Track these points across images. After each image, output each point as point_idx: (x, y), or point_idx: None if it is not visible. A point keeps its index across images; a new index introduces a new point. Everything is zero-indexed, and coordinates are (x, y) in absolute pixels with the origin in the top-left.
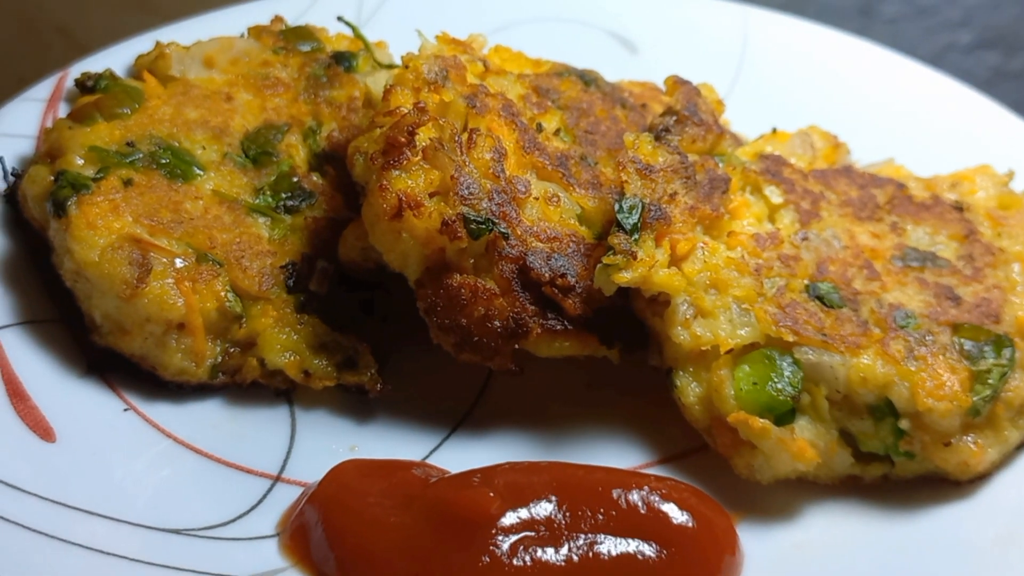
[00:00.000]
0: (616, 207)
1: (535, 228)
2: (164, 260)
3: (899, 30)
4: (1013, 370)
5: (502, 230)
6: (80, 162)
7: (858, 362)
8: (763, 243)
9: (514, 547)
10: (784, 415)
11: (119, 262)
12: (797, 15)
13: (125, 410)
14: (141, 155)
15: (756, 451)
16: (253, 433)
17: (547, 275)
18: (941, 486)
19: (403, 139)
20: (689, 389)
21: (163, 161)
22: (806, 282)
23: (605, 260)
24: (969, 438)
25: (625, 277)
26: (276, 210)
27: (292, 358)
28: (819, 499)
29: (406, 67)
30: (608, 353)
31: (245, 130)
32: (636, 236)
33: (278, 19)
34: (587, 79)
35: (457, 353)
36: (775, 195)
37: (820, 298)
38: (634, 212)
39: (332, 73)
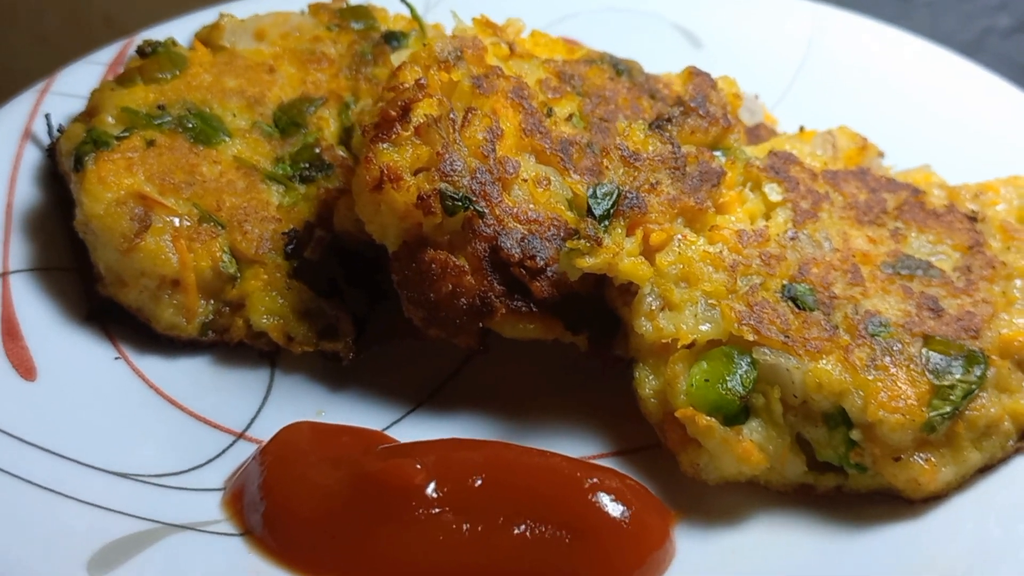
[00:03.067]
0: (589, 192)
1: (516, 209)
2: (166, 218)
3: (937, 14)
4: (982, 388)
5: (479, 208)
6: (111, 121)
7: (815, 367)
8: (746, 240)
9: (430, 519)
10: (735, 415)
11: (121, 216)
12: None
13: (116, 358)
14: (169, 119)
15: (702, 450)
16: (230, 391)
17: (516, 256)
18: (895, 504)
19: (395, 113)
20: (646, 381)
21: (189, 125)
22: (784, 282)
23: (569, 244)
24: (921, 456)
25: (587, 263)
26: (292, 179)
27: (276, 321)
28: (767, 506)
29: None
30: (575, 339)
31: (281, 101)
32: (606, 223)
33: None
34: (620, 68)
35: (425, 327)
36: (774, 192)
37: (794, 299)
38: (607, 199)
39: (378, 51)
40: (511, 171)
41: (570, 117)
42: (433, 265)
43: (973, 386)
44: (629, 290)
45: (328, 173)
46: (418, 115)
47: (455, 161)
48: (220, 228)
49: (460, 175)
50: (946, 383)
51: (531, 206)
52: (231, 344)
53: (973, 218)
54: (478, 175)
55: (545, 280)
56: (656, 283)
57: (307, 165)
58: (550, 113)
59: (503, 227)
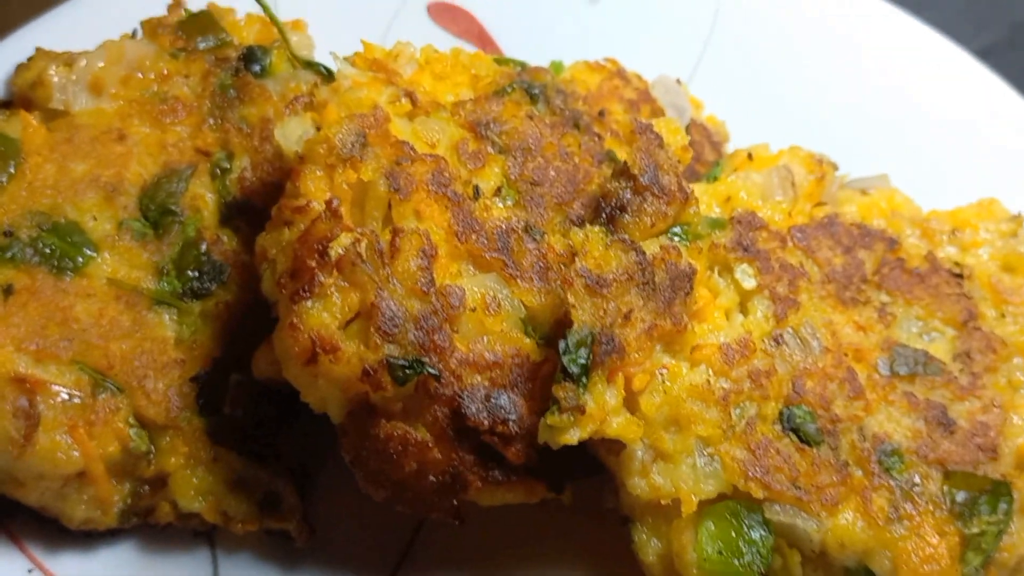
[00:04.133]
0: (561, 345)
1: (471, 355)
2: (54, 401)
3: None
4: (1009, 522)
5: (432, 371)
6: None
7: (835, 524)
8: (731, 357)
9: None
10: None
11: (2, 415)
12: None
13: (30, 571)
14: (20, 245)
15: None
16: None
17: (486, 422)
18: None
19: (313, 263)
20: (649, 547)
21: (47, 252)
22: (780, 408)
23: (549, 420)
24: None
25: (573, 439)
26: (183, 296)
27: (207, 500)
28: None
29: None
30: (560, 497)
31: (143, 181)
32: (584, 381)
33: (177, 3)
34: (533, 92)
35: (389, 505)
36: (747, 277)
37: (795, 430)
38: (582, 350)
39: (242, 83)
40: (456, 303)
41: (499, 191)
42: (391, 443)
43: (1001, 526)
44: (616, 441)
45: (222, 280)
46: (337, 247)
47: (394, 313)
48: (119, 393)
49: (402, 328)
50: (975, 530)
51: (485, 342)
52: (158, 526)
53: (959, 275)
54: (422, 322)
55: (520, 442)
56: (645, 432)
57: (195, 273)
58: (476, 194)
59: (462, 385)
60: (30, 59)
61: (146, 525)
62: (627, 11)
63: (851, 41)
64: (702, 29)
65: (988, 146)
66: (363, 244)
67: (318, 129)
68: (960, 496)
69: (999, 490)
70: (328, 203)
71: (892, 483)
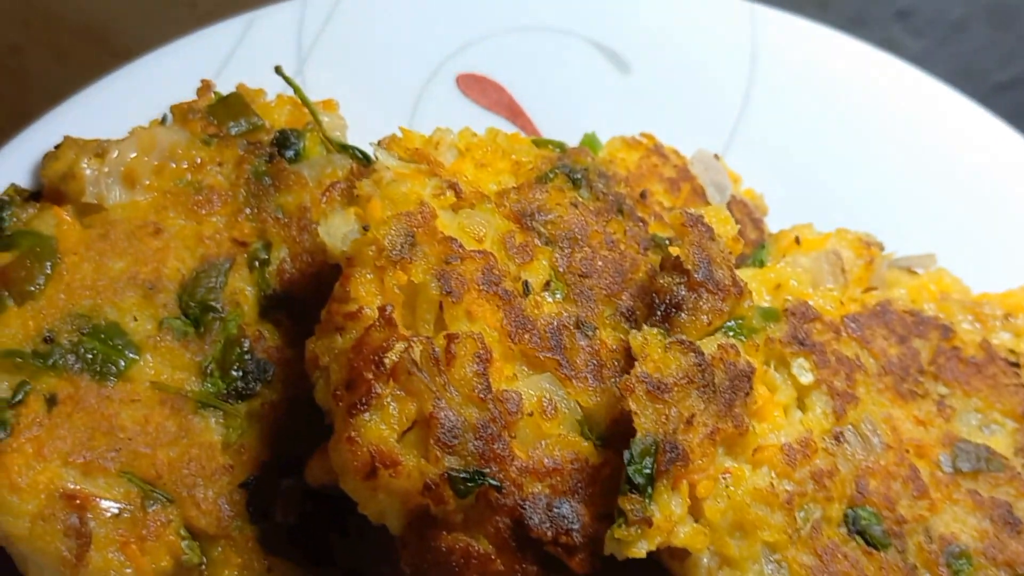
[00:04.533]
0: (625, 456)
1: (530, 462)
2: (105, 516)
3: None
4: None
5: (493, 482)
6: None
7: None
8: (794, 458)
9: None
10: None
11: (54, 535)
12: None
13: None
14: (62, 352)
15: None
16: None
17: (549, 533)
18: None
19: (370, 374)
20: None
21: (89, 357)
22: (845, 509)
23: (616, 534)
24: None
25: (641, 552)
26: (227, 398)
27: None
28: None
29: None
30: None
31: (181, 277)
32: (650, 492)
33: (206, 86)
34: (576, 177)
35: None
36: (804, 372)
37: (861, 533)
38: (646, 459)
39: (276, 170)
40: (513, 409)
41: (547, 284)
42: (453, 555)
43: None
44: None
45: (266, 379)
46: (392, 355)
47: (453, 423)
48: (169, 504)
49: (462, 439)
50: None
51: (543, 447)
52: None
53: (1015, 364)
54: (481, 431)
55: (583, 551)
56: (711, 539)
57: (239, 373)
58: (526, 290)
59: (523, 495)
60: (58, 147)
61: None
62: (659, 81)
63: (889, 111)
64: (736, 98)
65: None
66: (418, 351)
67: (364, 227)
68: None
69: None
70: (382, 310)
71: None
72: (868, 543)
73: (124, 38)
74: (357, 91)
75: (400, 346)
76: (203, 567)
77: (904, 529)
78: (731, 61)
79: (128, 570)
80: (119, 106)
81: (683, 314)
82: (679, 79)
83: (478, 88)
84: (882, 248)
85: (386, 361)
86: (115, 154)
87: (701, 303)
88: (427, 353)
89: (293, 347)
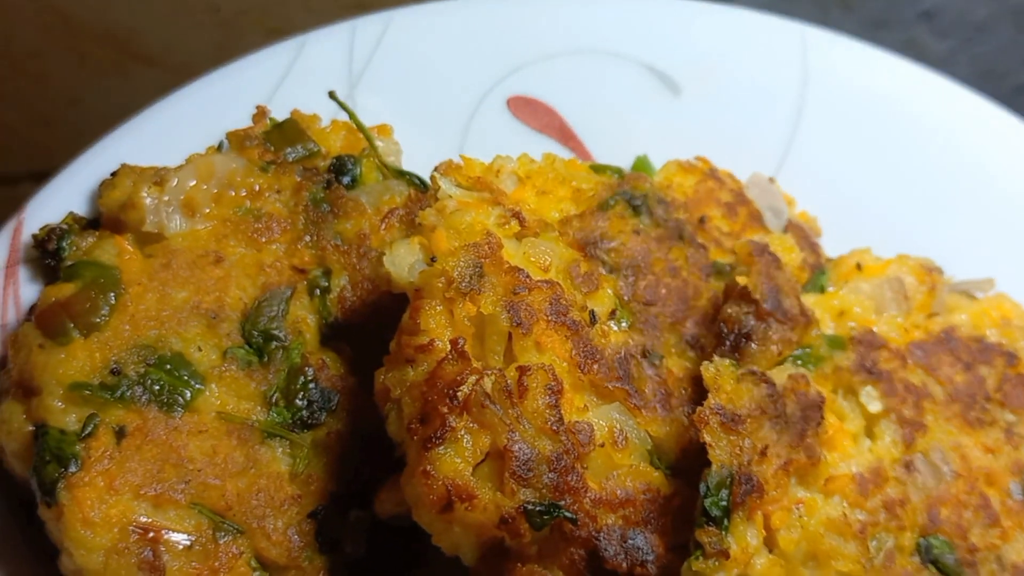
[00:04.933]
0: (701, 488)
1: (603, 493)
2: (178, 548)
3: None
4: None
5: (568, 515)
6: (60, 405)
7: None
8: (865, 487)
9: None
10: None
11: (128, 569)
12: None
13: None
14: (129, 383)
15: None
16: None
17: (624, 565)
18: None
19: (445, 408)
20: None
21: (156, 389)
22: (916, 537)
23: (695, 567)
24: None
25: None
26: (293, 427)
27: None
28: None
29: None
30: None
31: (243, 306)
32: (726, 524)
33: (261, 112)
34: (635, 204)
35: None
36: (872, 400)
37: (934, 562)
38: (722, 491)
39: (334, 196)
40: (585, 440)
41: (613, 313)
42: None
43: None
44: None
45: (331, 408)
46: (465, 388)
47: (527, 456)
48: (239, 535)
49: (536, 471)
50: None
51: (616, 477)
52: None
53: None
54: (555, 463)
55: None
56: (786, 571)
57: (304, 402)
58: (593, 319)
59: (597, 527)
60: (115, 175)
61: None
62: (710, 103)
63: (940, 133)
64: (787, 120)
65: None
66: (490, 384)
67: (431, 258)
68: None
69: None
70: (454, 343)
71: None
72: (941, 572)
73: (146, 43)
74: (408, 115)
75: (473, 379)
76: None
77: (976, 558)
78: (782, 83)
79: None
80: (173, 132)
81: (753, 344)
82: (730, 101)
83: (529, 111)
84: (942, 273)
85: (459, 394)
86: (174, 182)
87: (771, 333)
88: (499, 386)
89: (355, 375)
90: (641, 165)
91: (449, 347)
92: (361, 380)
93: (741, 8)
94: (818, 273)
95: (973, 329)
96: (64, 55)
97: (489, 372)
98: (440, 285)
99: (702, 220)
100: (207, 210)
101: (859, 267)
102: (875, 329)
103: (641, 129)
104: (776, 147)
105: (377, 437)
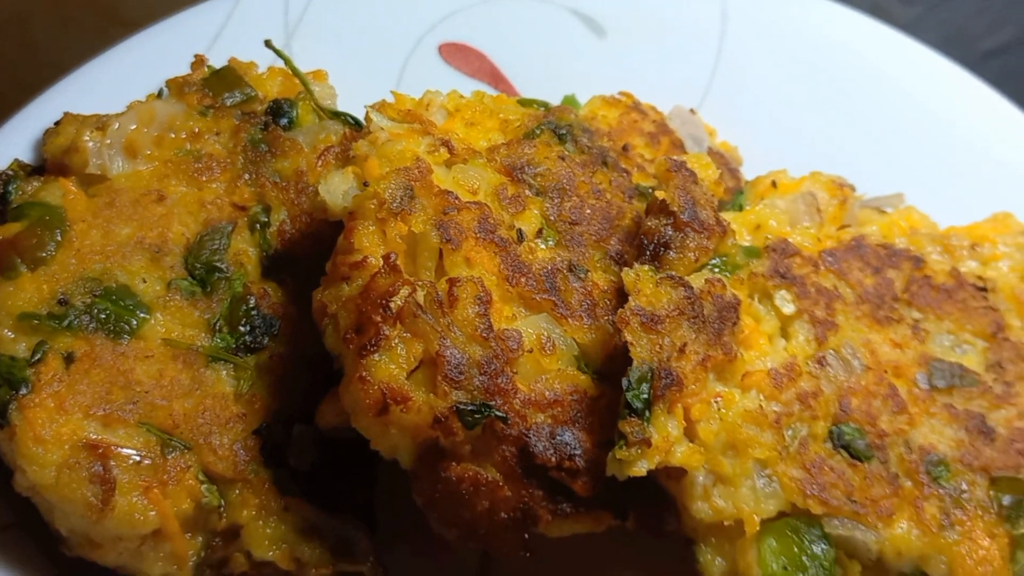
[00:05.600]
0: (623, 383)
1: (532, 395)
2: (127, 463)
3: None
4: None
5: (498, 414)
6: (10, 336)
7: (892, 534)
8: (780, 381)
9: None
10: None
11: (79, 482)
12: None
13: None
14: (76, 313)
15: None
16: None
17: (553, 459)
18: None
19: (378, 317)
20: (714, 566)
21: (102, 317)
22: (829, 425)
23: (618, 454)
24: None
25: (642, 471)
26: (237, 351)
27: (282, 548)
28: None
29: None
30: (623, 524)
31: (186, 240)
32: (648, 415)
33: (199, 61)
34: (560, 133)
35: (461, 544)
36: (786, 303)
37: (846, 447)
38: (643, 385)
39: (272, 137)
40: (514, 346)
41: (540, 232)
42: (462, 484)
43: None
44: (676, 468)
45: (273, 333)
46: (397, 299)
47: (458, 360)
48: (186, 451)
49: (467, 374)
50: (1023, 531)
51: (544, 381)
52: None
53: (983, 288)
54: (485, 367)
55: (586, 475)
56: (705, 458)
57: (247, 328)
58: (520, 237)
59: (527, 425)
60: (58, 124)
61: None
62: (634, 42)
63: (852, 62)
64: (708, 56)
65: (993, 162)
66: (422, 295)
67: (364, 183)
68: (1006, 500)
69: None
70: (386, 258)
71: (941, 491)
72: (852, 456)
73: (131, 8)
74: (344, 63)
75: (405, 290)
76: (222, 509)
77: (885, 442)
78: (702, 21)
79: (152, 513)
80: (115, 82)
81: (671, 252)
82: (653, 40)
83: (460, 56)
84: (854, 189)
85: (392, 305)
86: (116, 126)
87: (688, 241)
88: (431, 296)
89: (297, 304)
90: (568, 103)
91: (382, 262)
92: (302, 308)
93: None
94: (737, 194)
95: (882, 238)
96: (49, 21)
97: (420, 283)
98: (372, 206)
99: (625, 148)
100: (148, 152)
101: (775, 185)
102: (789, 239)
103: (569, 70)
104: (699, 82)
105: (319, 360)
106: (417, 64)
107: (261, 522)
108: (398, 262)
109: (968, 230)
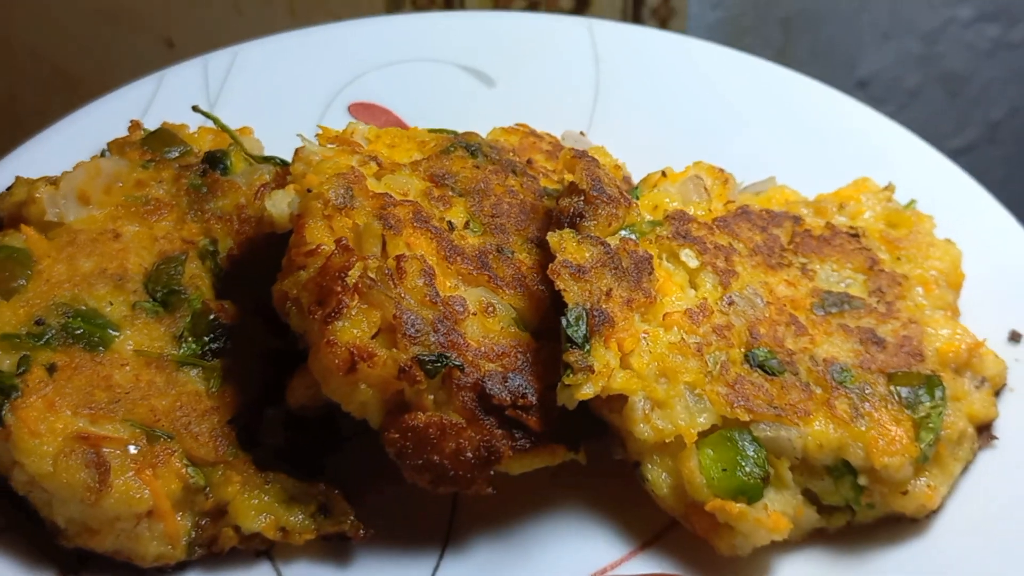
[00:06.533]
0: (563, 321)
1: (482, 348)
2: (119, 451)
3: (900, 5)
4: (946, 405)
5: (456, 363)
6: None
7: (812, 430)
8: (696, 318)
9: None
10: (754, 493)
11: (76, 468)
12: None
13: None
14: (54, 331)
15: (735, 531)
16: None
17: (508, 399)
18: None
19: (337, 287)
20: (661, 481)
21: (78, 333)
22: (743, 351)
23: (566, 380)
24: (922, 481)
25: (588, 393)
26: (204, 356)
27: (268, 519)
28: (787, 552)
29: (290, 168)
30: (576, 456)
31: (144, 270)
32: (587, 347)
33: (135, 125)
34: (472, 149)
35: (434, 488)
36: (691, 259)
37: (761, 366)
38: (580, 322)
39: (211, 181)
40: (461, 309)
41: (467, 224)
42: (430, 429)
43: (941, 408)
44: (614, 397)
45: (235, 337)
46: (353, 274)
47: (415, 321)
48: (170, 440)
49: (423, 332)
50: (921, 414)
51: (490, 340)
52: (222, 553)
53: (856, 234)
54: (439, 326)
55: (537, 413)
56: (642, 386)
57: (209, 336)
58: (451, 227)
59: (481, 372)
60: (10, 188)
61: (210, 554)
62: (521, 89)
63: (710, 80)
64: (588, 94)
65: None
66: (374, 269)
67: (307, 190)
68: (904, 392)
69: (932, 382)
70: (338, 241)
71: (848, 392)
72: (768, 373)
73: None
74: (263, 126)
75: (360, 265)
76: (207, 490)
77: (794, 359)
78: (578, 65)
79: (146, 492)
80: (58, 152)
81: (586, 220)
82: (537, 85)
83: (368, 113)
84: (733, 177)
85: (348, 279)
86: (66, 180)
87: (599, 211)
88: (382, 270)
89: (254, 314)
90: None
91: (334, 246)
92: (258, 315)
93: (537, 13)
94: (632, 190)
95: (763, 208)
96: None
97: (370, 258)
98: (319, 205)
99: (529, 162)
100: (99, 199)
101: (664, 175)
102: (685, 211)
103: (465, 117)
104: (582, 116)
105: (284, 354)
106: (330, 122)
107: (246, 495)
108: (348, 244)
109: (835, 194)
